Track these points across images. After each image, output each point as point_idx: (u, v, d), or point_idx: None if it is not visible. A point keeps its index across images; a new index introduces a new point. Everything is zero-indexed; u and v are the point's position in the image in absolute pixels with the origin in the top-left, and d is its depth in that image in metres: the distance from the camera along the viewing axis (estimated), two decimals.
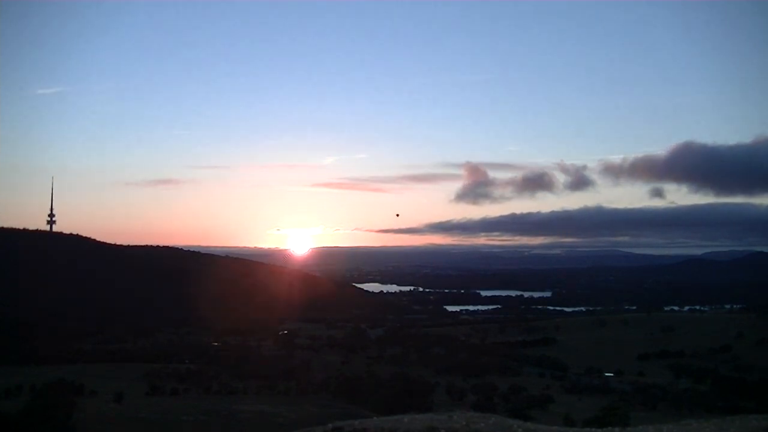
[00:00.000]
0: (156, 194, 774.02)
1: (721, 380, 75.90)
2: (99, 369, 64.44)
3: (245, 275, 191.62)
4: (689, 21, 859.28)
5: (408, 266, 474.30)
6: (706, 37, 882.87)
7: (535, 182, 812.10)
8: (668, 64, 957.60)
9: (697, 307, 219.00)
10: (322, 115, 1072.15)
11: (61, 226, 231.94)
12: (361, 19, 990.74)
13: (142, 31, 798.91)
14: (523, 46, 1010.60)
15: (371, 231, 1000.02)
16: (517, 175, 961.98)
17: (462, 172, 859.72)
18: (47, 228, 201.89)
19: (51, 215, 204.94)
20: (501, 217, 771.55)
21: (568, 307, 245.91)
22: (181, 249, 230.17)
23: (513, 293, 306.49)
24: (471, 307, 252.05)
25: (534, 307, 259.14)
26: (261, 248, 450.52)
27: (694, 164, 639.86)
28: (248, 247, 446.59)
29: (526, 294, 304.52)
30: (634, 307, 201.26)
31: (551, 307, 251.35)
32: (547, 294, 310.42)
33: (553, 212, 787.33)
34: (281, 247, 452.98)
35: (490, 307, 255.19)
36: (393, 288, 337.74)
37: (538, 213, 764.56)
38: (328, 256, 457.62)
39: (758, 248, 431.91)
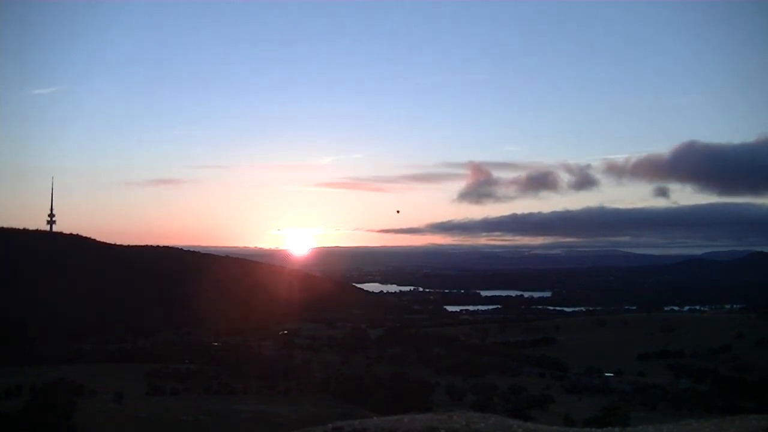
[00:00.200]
0: (156, 194, 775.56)
1: (721, 380, 75.75)
2: (99, 369, 64.43)
3: (245, 275, 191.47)
4: (693, 20, 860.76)
5: (408, 266, 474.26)
6: (709, 36, 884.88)
7: (540, 182, 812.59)
8: (672, 64, 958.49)
9: (697, 307, 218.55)
10: (323, 115, 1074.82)
11: (61, 226, 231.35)
12: (363, 19, 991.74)
13: (141, 31, 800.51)
14: (526, 45, 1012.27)
15: (372, 231, 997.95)
16: (520, 174, 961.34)
17: (464, 171, 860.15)
18: (47, 228, 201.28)
19: (51, 215, 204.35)
20: (502, 217, 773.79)
21: (568, 307, 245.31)
22: (181, 249, 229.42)
23: (513, 293, 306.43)
24: (471, 307, 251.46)
25: (534, 307, 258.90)
26: (261, 248, 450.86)
27: (698, 164, 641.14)
28: (248, 247, 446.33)
29: (527, 294, 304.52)
30: (634, 307, 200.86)
31: (551, 307, 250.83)
32: (548, 294, 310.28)
33: (554, 212, 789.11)
34: (281, 247, 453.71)
35: (491, 307, 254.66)
36: (393, 288, 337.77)
37: (539, 213, 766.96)
38: (328, 256, 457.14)
39: (758, 248, 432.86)
